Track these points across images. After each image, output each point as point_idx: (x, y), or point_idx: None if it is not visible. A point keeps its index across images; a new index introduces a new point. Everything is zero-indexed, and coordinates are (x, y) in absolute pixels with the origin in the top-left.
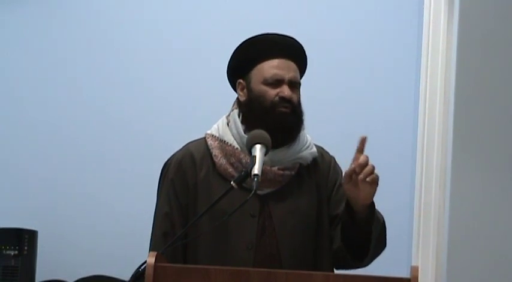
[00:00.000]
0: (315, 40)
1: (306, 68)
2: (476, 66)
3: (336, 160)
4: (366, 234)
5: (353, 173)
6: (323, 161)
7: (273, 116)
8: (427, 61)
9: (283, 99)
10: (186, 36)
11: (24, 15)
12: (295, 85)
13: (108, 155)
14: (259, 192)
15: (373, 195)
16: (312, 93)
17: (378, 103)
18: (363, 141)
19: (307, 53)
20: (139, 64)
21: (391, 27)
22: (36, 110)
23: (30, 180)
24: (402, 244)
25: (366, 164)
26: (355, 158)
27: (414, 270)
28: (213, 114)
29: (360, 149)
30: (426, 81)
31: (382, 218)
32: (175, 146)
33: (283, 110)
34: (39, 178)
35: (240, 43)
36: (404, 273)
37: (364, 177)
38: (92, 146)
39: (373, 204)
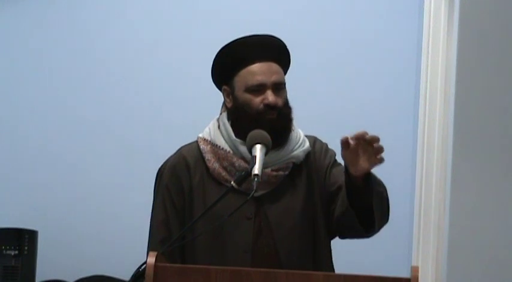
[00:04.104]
0: (315, 41)
1: (289, 62)
2: (476, 66)
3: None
4: (367, 206)
5: (348, 140)
6: (315, 149)
7: (260, 124)
8: (427, 61)
9: (268, 106)
10: (181, 38)
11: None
12: (279, 87)
13: (108, 156)
14: (254, 194)
15: (373, 165)
16: (312, 94)
17: (378, 103)
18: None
19: (307, 54)
20: (133, 65)
21: (391, 27)
22: (36, 110)
23: (30, 181)
24: (402, 244)
25: (362, 136)
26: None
27: (414, 270)
28: (208, 116)
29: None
30: (426, 81)
31: (385, 190)
32: (174, 146)
33: (270, 117)
34: (39, 178)
35: (219, 49)
36: (405, 273)
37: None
38: (91, 147)
39: (370, 176)
